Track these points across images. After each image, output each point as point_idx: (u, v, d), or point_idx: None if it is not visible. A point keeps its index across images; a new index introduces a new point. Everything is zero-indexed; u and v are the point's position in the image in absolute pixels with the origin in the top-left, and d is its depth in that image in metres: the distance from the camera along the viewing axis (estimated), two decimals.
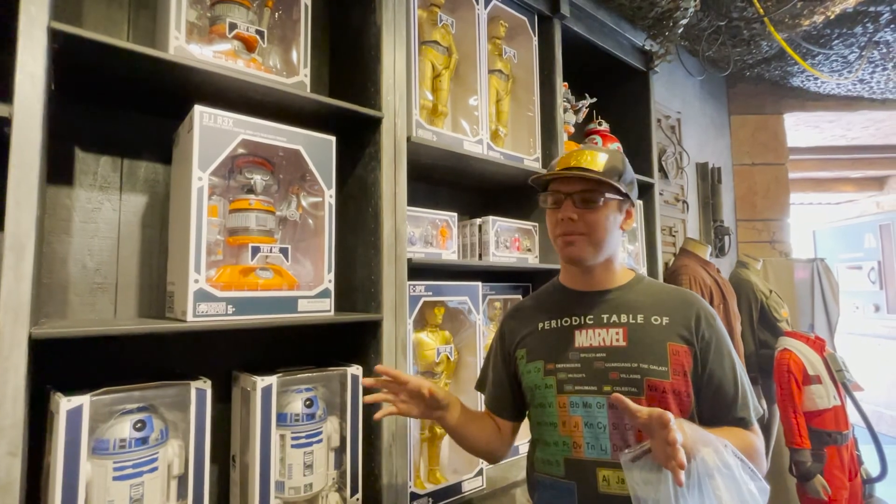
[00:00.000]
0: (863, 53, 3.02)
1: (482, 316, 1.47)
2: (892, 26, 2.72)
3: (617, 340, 0.94)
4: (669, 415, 0.74)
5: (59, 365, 0.94)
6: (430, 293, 1.32)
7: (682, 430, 0.78)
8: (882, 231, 5.66)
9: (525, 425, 1.07)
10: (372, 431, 1.16)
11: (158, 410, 0.92)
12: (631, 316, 0.96)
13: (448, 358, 1.39)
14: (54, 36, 0.79)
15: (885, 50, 2.98)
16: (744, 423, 0.93)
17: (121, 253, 1.08)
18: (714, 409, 0.93)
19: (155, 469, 0.88)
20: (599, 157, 0.94)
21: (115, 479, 0.84)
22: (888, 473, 2.44)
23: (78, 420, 0.79)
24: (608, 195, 0.93)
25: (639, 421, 0.78)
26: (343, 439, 1.13)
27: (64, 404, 0.78)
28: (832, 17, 2.48)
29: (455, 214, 1.47)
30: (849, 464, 2.30)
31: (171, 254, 1.06)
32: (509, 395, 1.07)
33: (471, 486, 1.36)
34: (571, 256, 0.96)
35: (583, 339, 0.96)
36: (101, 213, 1.06)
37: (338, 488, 1.13)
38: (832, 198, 6.13)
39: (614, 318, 0.96)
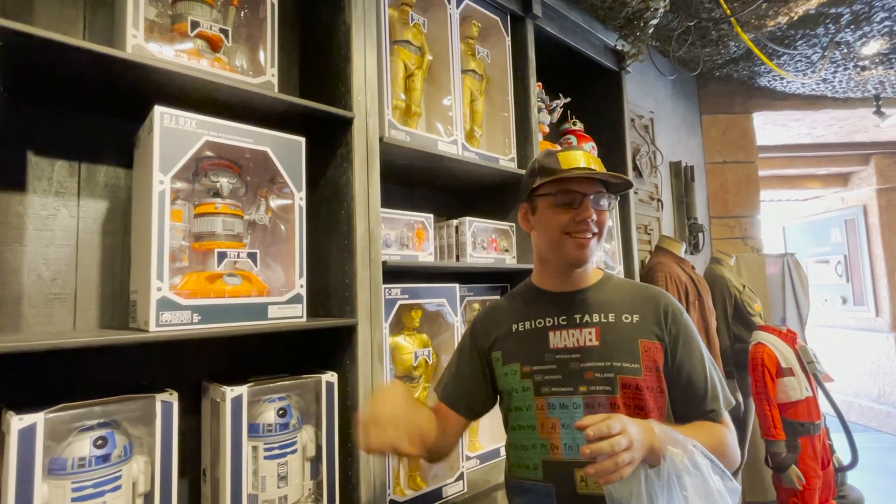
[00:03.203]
0: (825, 53, 3.11)
1: (460, 318, 1.45)
2: (852, 27, 2.81)
3: (590, 340, 0.94)
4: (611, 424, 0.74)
5: (13, 382, 0.89)
6: (407, 296, 1.30)
7: (651, 431, 0.78)
8: (847, 226, 5.86)
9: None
10: (348, 439, 1.13)
11: (121, 426, 0.88)
12: (603, 315, 0.96)
13: (426, 362, 1.36)
14: (1, 33, 0.75)
15: (845, 50, 3.08)
16: (714, 416, 0.94)
17: (80, 261, 1.03)
18: (685, 402, 0.94)
19: (118, 488, 0.84)
20: (596, 160, 0.97)
21: (74, 500, 0.79)
22: (859, 461, 2.51)
23: (31, 439, 0.74)
24: (614, 198, 0.99)
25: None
26: (319, 448, 1.10)
27: (15, 423, 0.73)
28: (795, 18, 2.55)
29: (431, 216, 1.45)
30: (821, 453, 2.36)
31: (133, 261, 1.01)
32: (472, 389, 1.04)
33: (452, 490, 1.34)
34: (582, 258, 0.95)
35: (557, 340, 0.96)
36: (58, 219, 1.01)
37: (314, 499, 1.10)
38: (800, 194, 6.32)
39: (587, 317, 0.96)
